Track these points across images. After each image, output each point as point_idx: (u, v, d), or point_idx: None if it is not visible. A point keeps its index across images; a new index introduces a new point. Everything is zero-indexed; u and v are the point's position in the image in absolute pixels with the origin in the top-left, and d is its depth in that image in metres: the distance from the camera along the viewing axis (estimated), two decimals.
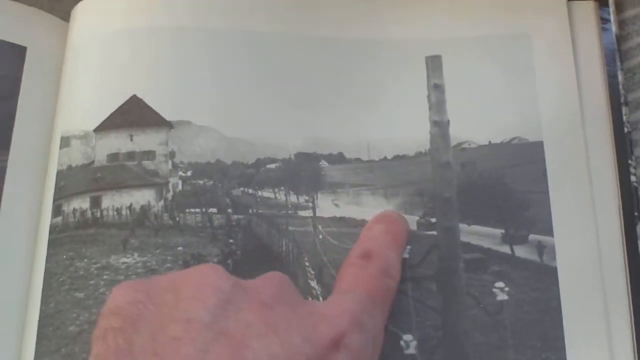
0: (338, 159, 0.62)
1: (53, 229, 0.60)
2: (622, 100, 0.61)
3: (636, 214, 0.58)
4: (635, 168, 0.60)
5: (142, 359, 0.37)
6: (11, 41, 0.64)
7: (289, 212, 0.61)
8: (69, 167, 0.62)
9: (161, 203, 0.61)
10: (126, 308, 0.40)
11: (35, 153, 0.63)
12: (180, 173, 0.62)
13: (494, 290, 0.57)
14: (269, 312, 0.41)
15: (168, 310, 0.40)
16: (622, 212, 0.58)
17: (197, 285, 0.41)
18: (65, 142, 0.62)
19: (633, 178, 0.59)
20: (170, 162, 0.62)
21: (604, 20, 0.64)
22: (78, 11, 0.67)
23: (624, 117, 0.61)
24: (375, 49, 0.64)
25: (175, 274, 0.44)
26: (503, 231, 0.59)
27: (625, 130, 0.60)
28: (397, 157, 0.62)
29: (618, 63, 0.62)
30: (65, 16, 0.67)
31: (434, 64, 0.63)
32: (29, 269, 0.59)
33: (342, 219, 0.61)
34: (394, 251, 0.53)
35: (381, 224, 0.55)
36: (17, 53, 0.64)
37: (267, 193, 0.62)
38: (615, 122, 0.60)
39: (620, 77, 0.62)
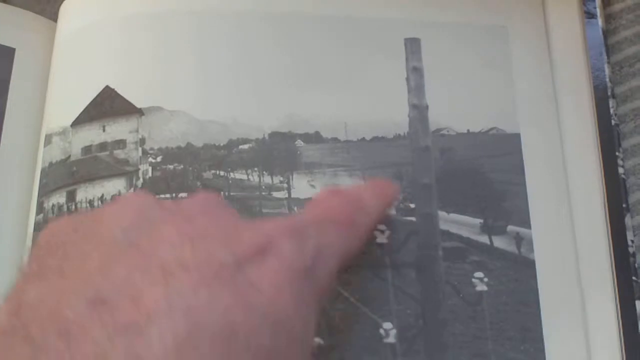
0: (315, 138, 0.59)
1: (36, 226, 0.58)
2: (609, 93, 0.61)
3: (624, 205, 0.58)
4: (623, 160, 0.60)
5: (49, 279, 0.36)
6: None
7: (263, 193, 0.59)
8: (50, 164, 0.60)
9: (131, 191, 0.58)
10: (50, 239, 0.39)
11: (24, 153, 0.62)
12: (150, 159, 0.59)
13: (473, 280, 0.56)
14: (187, 224, 0.38)
15: (87, 235, 0.38)
16: (607, 204, 0.58)
17: (117, 208, 0.40)
18: (47, 139, 0.61)
19: (621, 170, 0.59)
20: (140, 149, 0.59)
21: (589, 15, 0.63)
22: (64, 9, 0.65)
23: (611, 110, 0.60)
24: (352, 27, 0.62)
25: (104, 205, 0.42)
26: (482, 221, 0.58)
27: (613, 122, 0.60)
28: (375, 139, 0.60)
29: (604, 57, 0.62)
30: (55, 17, 0.66)
31: (412, 46, 0.61)
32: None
33: None
34: (370, 192, 0.50)
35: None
36: (5, 55, 0.64)
37: (239, 175, 0.59)
38: (600, 115, 0.60)
39: (607, 71, 0.61)
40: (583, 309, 0.56)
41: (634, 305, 0.56)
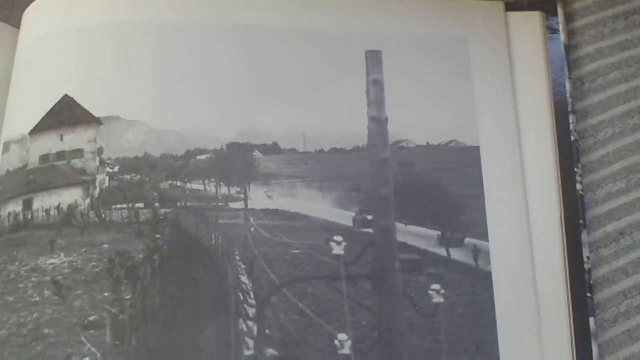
0: (272, 149, 0.59)
1: None
2: (569, 108, 0.61)
3: (581, 221, 0.58)
4: (581, 176, 0.60)
5: None
6: None
7: (219, 204, 0.59)
8: (7, 172, 0.60)
9: (87, 201, 0.58)
10: None
11: None
12: (108, 169, 0.59)
13: (430, 292, 0.56)
14: None
15: None
16: (564, 219, 0.58)
17: None
18: (5, 147, 0.61)
19: (579, 186, 0.59)
20: (97, 158, 0.60)
21: (552, 30, 0.64)
22: (26, 17, 0.65)
23: (571, 126, 0.61)
24: (313, 40, 0.62)
25: None
26: (439, 233, 0.58)
27: (572, 138, 0.60)
28: (333, 150, 0.60)
29: (566, 72, 0.62)
30: (19, 24, 0.66)
31: (373, 59, 0.61)
32: None
33: (275, 211, 0.59)
34: None
35: None
36: None
37: (196, 185, 0.59)
38: (560, 130, 0.60)
39: (567, 86, 0.62)
40: (539, 322, 0.55)
41: (587, 322, 0.56)
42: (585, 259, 0.57)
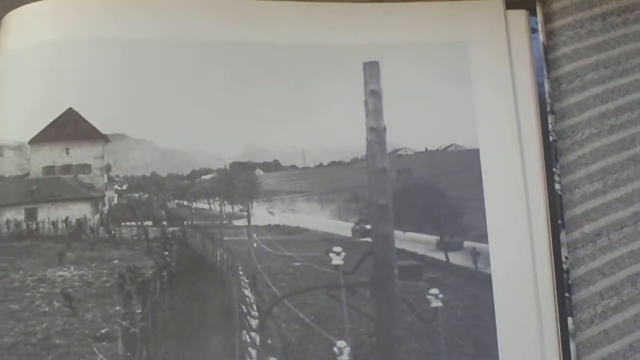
0: (273, 166, 0.61)
1: None
2: (548, 109, 0.61)
3: (559, 221, 0.57)
4: (560, 176, 0.59)
5: None
6: None
7: (224, 222, 0.61)
8: (2, 177, 0.61)
9: (97, 217, 0.61)
10: None
11: None
12: (116, 187, 0.62)
13: (429, 297, 0.56)
14: None
15: None
16: (549, 220, 0.57)
17: None
18: None
19: (557, 186, 0.58)
20: (106, 175, 0.63)
21: (532, 30, 0.63)
22: (9, 19, 0.66)
23: (550, 126, 0.60)
24: (309, 55, 0.64)
25: None
26: (438, 238, 0.58)
27: (551, 139, 0.60)
28: (332, 164, 0.62)
29: (545, 72, 0.62)
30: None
31: (371, 70, 0.62)
32: None
33: (277, 226, 0.61)
34: None
35: None
36: None
37: (202, 204, 0.62)
38: (542, 131, 0.60)
39: (547, 86, 0.61)
40: (539, 323, 0.54)
41: (566, 322, 0.55)
42: (564, 259, 0.56)
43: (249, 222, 0.61)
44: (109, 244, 0.60)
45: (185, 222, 0.61)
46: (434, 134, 0.61)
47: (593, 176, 0.60)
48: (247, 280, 0.58)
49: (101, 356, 0.56)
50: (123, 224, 0.61)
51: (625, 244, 0.58)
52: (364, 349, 0.55)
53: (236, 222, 0.61)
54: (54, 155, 0.63)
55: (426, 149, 0.61)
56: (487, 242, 0.57)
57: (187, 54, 0.64)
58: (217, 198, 0.61)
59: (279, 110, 0.63)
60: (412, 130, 0.61)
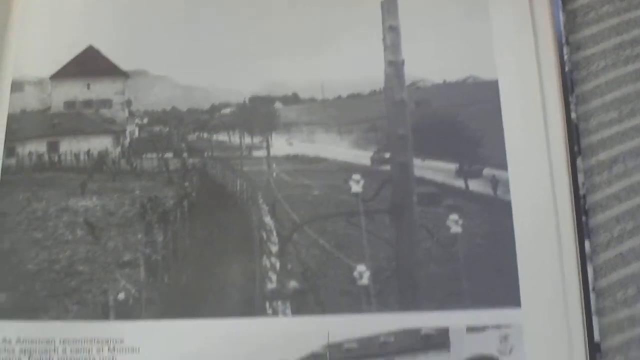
0: (292, 99, 0.62)
1: (6, 170, 0.61)
2: (563, 40, 0.61)
3: (576, 148, 0.57)
4: (576, 105, 0.59)
5: None
6: None
7: (244, 153, 0.62)
8: (23, 111, 0.62)
9: (118, 149, 0.62)
10: None
11: None
12: (137, 121, 0.62)
13: (448, 223, 0.56)
14: None
15: None
16: (568, 147, 0.57)
17: None
18: (17, 86, 0.63)
19: (573, 115, 0.58)
20: (127, 110, 0.63)
21: None
22: None
23: (565, 57, 0.60)
24: None
25: None
26: (457, 165, 0.58)
27: (566, 69, 0.60)
28: (351, 96, 0.62)
29: (560, 4, 0.61)
30: None
31: (389, 6, 0.63)
32: None
33: (296, 156, 0.61)
34: None
35: None
36: None
37: (221, 137, 0.62)
38: (559, 62, 0.60)
39: (562, 18, 0.61)
40: (559, 249, 0.55)
41: (584, 245, 0.55)
42: (580, 185, 0.56)
43: (268, 152, 0.61)
44: (130, 175, 0.60)
45: (205, 154, 0.61)
46: (452, 66, 0.61)
47: (608, 106, 0.60)
48: (266, 208, 0.59)
49: (124, 282, 0.57)
50: (144, 156, 0.61)
51: None
52: (384, 273, 0.56)
53: (256, 153, 0.61)
54: (75, 90, 0.63)
55: (444, 80, 0.61)
56: (506, 170, 0.57)
57: None
58: (236, 130, 0.62)
59: (297, 45, 0.63)
60: (430, 62, 0.61)
